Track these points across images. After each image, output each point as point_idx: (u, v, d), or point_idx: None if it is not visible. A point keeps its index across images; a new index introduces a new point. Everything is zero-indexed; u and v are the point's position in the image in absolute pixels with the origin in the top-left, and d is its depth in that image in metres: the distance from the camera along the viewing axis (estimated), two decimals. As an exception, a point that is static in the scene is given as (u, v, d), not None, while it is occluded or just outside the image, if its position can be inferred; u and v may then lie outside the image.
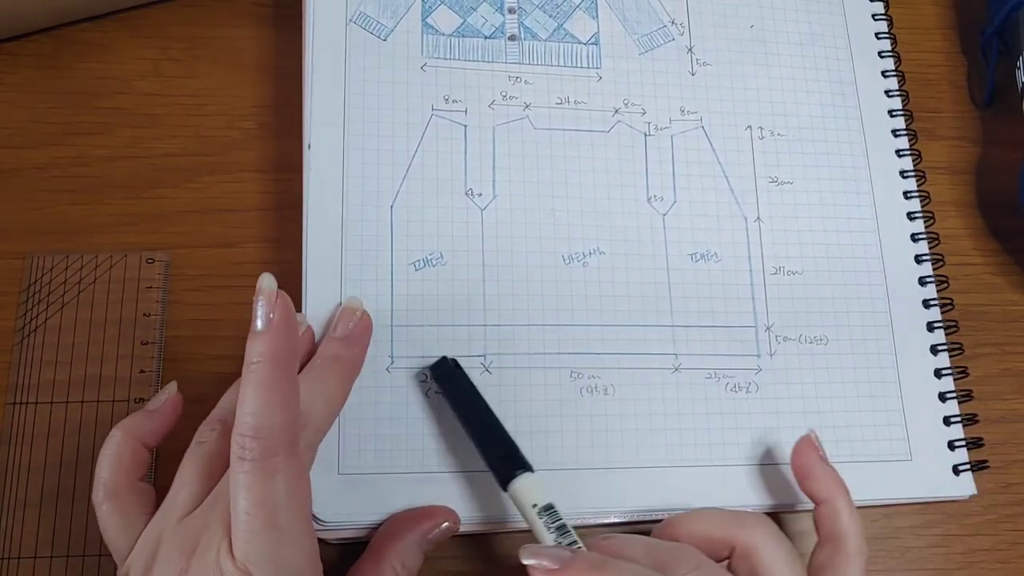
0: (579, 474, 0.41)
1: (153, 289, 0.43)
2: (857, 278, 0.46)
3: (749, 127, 0.48)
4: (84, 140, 0.45)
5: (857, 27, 0.51)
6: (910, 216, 0.48)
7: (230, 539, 0.31)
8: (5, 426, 0.41)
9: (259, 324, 0.32)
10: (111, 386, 0.42)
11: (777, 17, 0.50)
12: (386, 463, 0.40)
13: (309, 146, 0.43)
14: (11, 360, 0.42)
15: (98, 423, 0.41)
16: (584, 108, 0.46)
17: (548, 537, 0.35)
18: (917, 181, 0.48)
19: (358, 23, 0.45)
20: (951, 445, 0.45)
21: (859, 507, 0.43)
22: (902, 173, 0.49)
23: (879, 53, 0.51)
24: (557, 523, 0.36)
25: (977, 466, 0.44)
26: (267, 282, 0.33)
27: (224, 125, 0.46)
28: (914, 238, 0.48)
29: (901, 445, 0.44)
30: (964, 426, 0.45)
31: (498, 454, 0.38)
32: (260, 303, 0.32)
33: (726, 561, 0.37)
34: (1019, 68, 0.49)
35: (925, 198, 0.48)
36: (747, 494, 0.42)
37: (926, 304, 0.47)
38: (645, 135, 0.46)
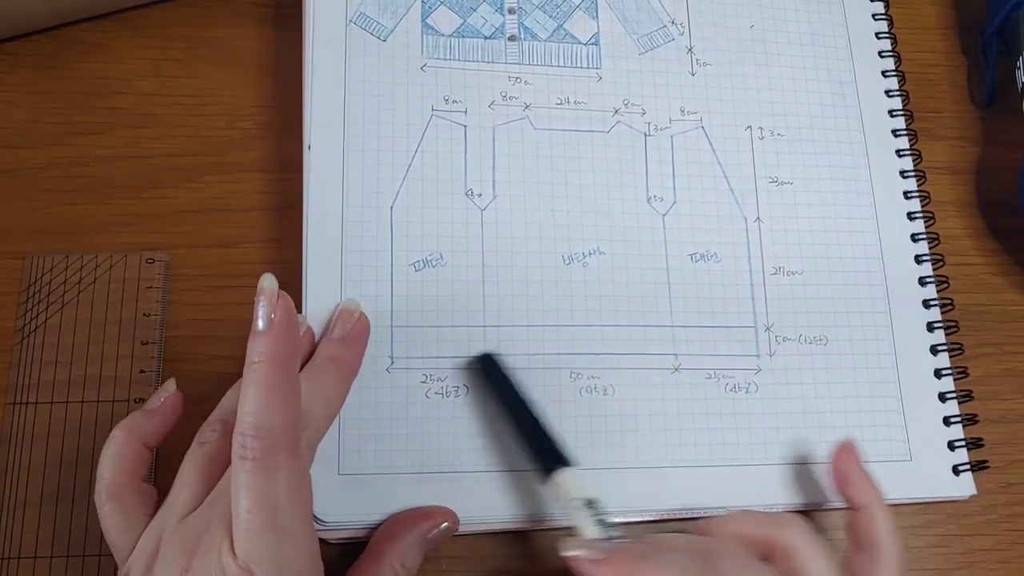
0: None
1: (153, 289, 0.43)
2: (857, 278, 0.46)
3: (749, 127, 0.48)
4: (84, 140, 0.45)
5: (857, 27, 0.51)
6: (910, 216, 0.48)
7: (231, 538, 0.31)
8: (5, 426, 0.41)
9: (260, 324, 0.32)
10: (111, 386, 0.42)
11: (777, 17, 0.50)
12: (386, 463, 0.40)
13: (309, 147, 0.43)
14: (11, 360, 0.42)
15: (98, 423, 0.41)
16: (584, 108, 0.46)
17: (591, 530, 0.35)
18: (917, 181, 0.48)
19: (358, 24, 0.45)
20: (951, 445, 0.45)
21: (859, 507, 0.43)
22: (902, 173, 0.49)
23: (879, 53, 0.51)
24: (600, 517, 0.36)
25: (977, 466, 0.44)
26: (268, 283, 0.33)
27: (224, 125, 0.46)
28: (914, 238, 0.48)
29: (901, 445, 0.44)
30: (964, 426, 0.45)
31: (541, 447, 0.38)
32: (261, 303, 0.33)
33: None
34: (1019, 68, 0.49)
35: (925, 198, 0.48)
36: (747, 494, 0.42)
37: (926, 304, 0.47)
38: (645, 135, 0.46)
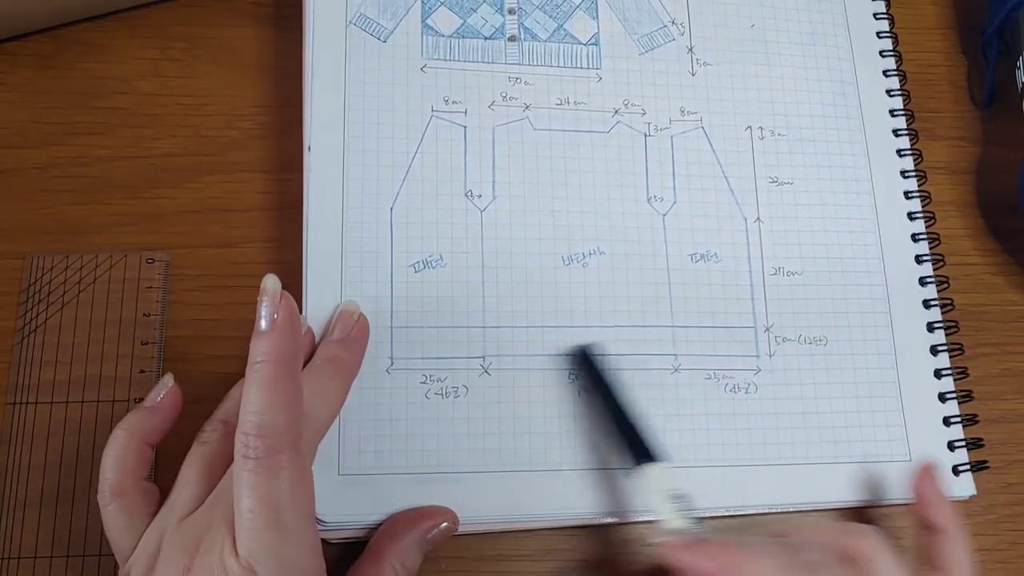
0: (578, 475, 0.41)
1: (153, 289, 0.43)
2: (857, 278, 0.46)
3: (749, 127, 0.48)
4: (84, 140, 0.45)
5: (858, 26, 0.51)
6: (911, 216, 0.48)
7: (234, 537, 0.31)
8: (5, 426, 0.41)
9: (263, 324, 0.33)
10: (111, 386, 0.42)
11: (778, 16, 0.50)
12: (386, 463, 0.40)
13: (309, 148, 0.43)
14: (11, 360, 0.42)
15: (98, 423, 0.41)
16: (584, 109, 0.46)
17: (678, 523, 0.36)
18: (918, 181, 0.48)
19: (358, 25, 0.45)
20: (951, 446, 0.45)
21: (858, 508, 0.44)
22: (903, 173, 0.49)
23: (880, 52, 0.51)
24: (686, 511, 0.36)
25: (977, 466, 0.44)
26: (271, 283, 0.33)
27: (224, 125, 0.46)
28: (914, 238, 0.48)
29: (900, 446, 0.44)
30: (964, 426, 0.45)
31: (633, 439, 0.39)
32: (264, 303, 0.33)
33: None
34: (1019, 68, 0.49)
35: (926, 198, 0.48)
36: (746, 495, 0.42)
37: (926, 304, 0.47)
38: (645, 135, 0.46)
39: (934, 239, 0.48)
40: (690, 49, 0.48)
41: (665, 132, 0.47)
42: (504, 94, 0.46)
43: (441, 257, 0.43)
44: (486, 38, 0.46)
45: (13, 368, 0.42)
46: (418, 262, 0.42)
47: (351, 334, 0.40)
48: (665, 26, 0.49)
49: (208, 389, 0.40)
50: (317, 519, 0.38)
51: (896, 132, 0.49)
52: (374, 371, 0.41)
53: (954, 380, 0.46)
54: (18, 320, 0.42)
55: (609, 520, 0.42)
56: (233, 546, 0.31)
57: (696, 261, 0.45)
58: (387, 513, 0.39)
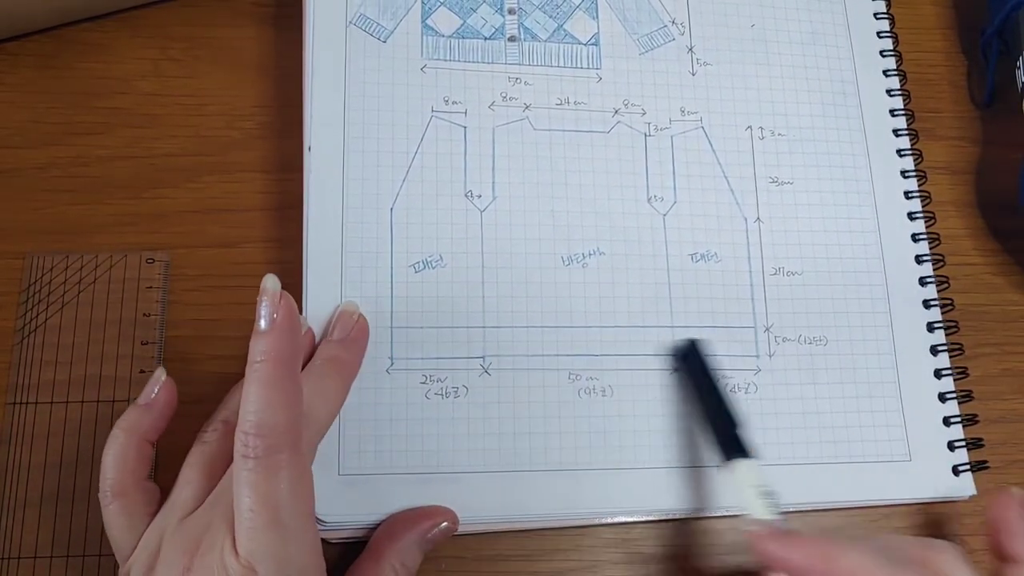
0: (578, 475, 0.41)
1: (153, 289, 0.43)
2: (857, 278, 0.46)
3: (749, 127, 0.48)
4: (84, 140, 0.45)
5: (858, 26, 0.51)
6: (911, 216, 0.48)
7: (234, 536, 0.31)
8: (5, 426, 0.41)
9: (263, 324, 0.33)
10: (111, 386, 0.42)
11: (778, 16, 0.50)
12: (386, 463, 0.40)
13: (309, 148, 0.43)
14: (11, 360, 0.42)
15: (98, 423, 0.41)
16: (584, 109, 0.46)
17: (768, 518, 0.37)
18: (918, 181, 0.48)
19: (358, 25, 0.45)
20: (951, 446, 0.45)
21: (858, 508, 0.44)
22: (903, 173, 0.48)
23: (880, 52, 0.51)
24: (776, 508, 0.37)
25: (977, 466, 0.44)
26: (271, 283, 0.33)
27: (224, 125, 0.46)
28: (915, 238, 0.48)
29: (900, 446, 0.44)
30: (964, 426, 0.45)
31: (728, 433, 0.40)
32: (264, 303, 0.33)
33: None
34: (1019, 68, 0.49)
35: (926, 198, 0.48)
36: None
37: (926, 304, 0.47)
38: (645, 135, 0.46)
39: (934, 239, 0.48)
40: (690, 49, 0.48)
41: (665, 132, 0.47)
42: (504, 94, 0.46)
43: (441, 257, 0.43)
44: (486, 38, 0.46)
45: (13, 368, 0.42)
46: (418, 262, 0.42)
47: (351, 334, 0.40)
48: (665, 26, 0.49)
49: (208, 389, 0.40)
50: (317, 519, 0.38)
51: (896, 132, 0.49)
52: (374, 371, 0.41)
53: (954, 380, 0.46)
54: (18, 320, 0.42)
55: (609, 520, 0.42)
56: (233, 545, 0.31)
57: (696, 261, 0.45)
58: (387, 513, 0.39)
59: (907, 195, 0.48)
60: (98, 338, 0.42)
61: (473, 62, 0.46)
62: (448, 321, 0.42)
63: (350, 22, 0.45)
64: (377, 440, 0.40)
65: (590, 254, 0.44)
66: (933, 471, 0.44)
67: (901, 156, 0.49)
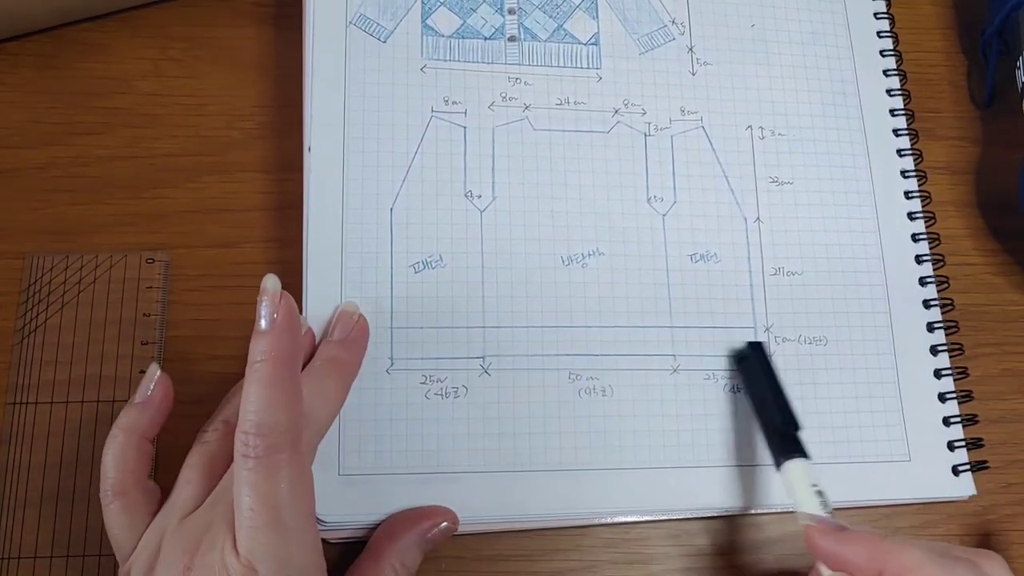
0: (578, 475, 0.41)
1: (153, 289, 0.43)
2: (857, 279, 0.46)
3: (749, 127, 0.48)
4: (84, 140, 0.45)
5: (858, 26, 0.51)
6: (911, 216, 0.48)
7: (234, 536, 0.31)
8: (5, 426, 0.41)
9: (263, 324, 0.33)
10: (111, 386, 0.42)
11: (778, 16, 0.50)
12: (386, 463, 0.40)
13: (309, 148, 0.43)
14: (11, 360, 0.42)
15: (98, 423, 0.41)
16: (584, 109, 0.46)
17: (821, 516, 0.37)
18: (918, 181, 0.48)
19: (358, 25, 0.45)
20: (951, 446, 0.45)
21: (858, 508, 0.44)
22: (903, 173, 0.48)
23: (880, 52, 0.51)
24: (829, 506, 0.37)
25: (977, 466, 0.44)
26: (271, 283, 0.33)
27: (224, 125, 0.46)
28: (915, 238, 0.48)
29: (900, 446, 0.44)
30: (964, 426, 0.45)
31: (783, 431, 0.40)
32: (264, 303, 0.33)
33: None
34: (1019, 68, 0.49)
35: (926, 198, 0.48)
36: (746, 496, 0.42)
37: (926, 304, 0.47)
38: (645, 135, 0.46)
39: (934, 239, 0.48)
40: (690, 49, 0.48)
41: (665, 132, 0.47)
42: (504, 94, 0.46)
43: (441, 257, 0.43)
44: (486, 38, 0.46)
45: (13, 368, 0.42)
46: (418, 262, 0.42)
47: (351, 335, 0.40)
48: (665, 26, 0.49)
49: (208, 389, 0.40)
50: (317, 519, 0.38)
51: (896, 132, 0.49)
52: (374, 371, 0.41)
53: (954, 380, 0.46)
54: (18, 320, 0.42)
55: (609, 520, 0.42)
56: (234, 545, 0.31)
57: (696, 261, 0.45)
58: (387, 513, 0.39)
59: (907, 195, 0.48)
60: (98, 338, 0.42)
61: (473, 62, 0.46)
62: (448, 321, 0.42)
63: (350, 22, 0.45)
64: (377, 440, 0.40)
65: (590, 254, 0.44)
66: (933, 471, 0.44)
67: (901, 156, 0.49)
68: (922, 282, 0.47)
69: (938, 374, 0.46)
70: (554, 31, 0.47)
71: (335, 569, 0.38)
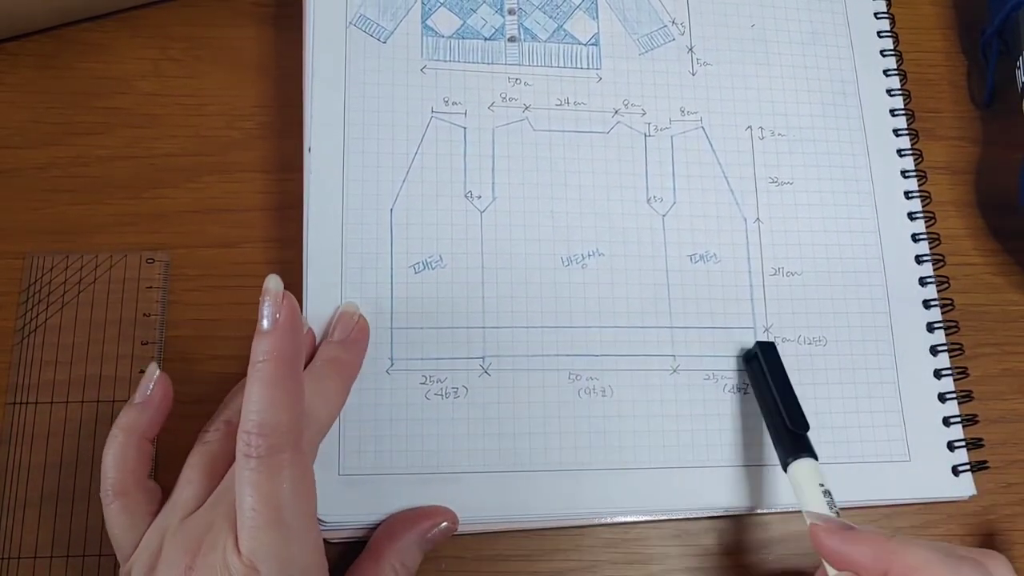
0: (578, 475, 0.41)
1: (153, 289, 0.43)
2: (857, 279, 0.46)
3: (749, 127, 0.48)
4: (84, 140, 0.45)
5: (858, 26, 0.51)
6: (911, 216, 0.48)
7: (236, 536, 0.32)
8: (5, 426, 0.41)
9: (265, 324, 0.33)
10: (111, 386, 0.42)
11: (778, 16, 0.50)
12: (386, 464, 0.40)
13: (309, 148, 0.43)
14: (11, 360, 0.42)
15: (98, 423, 0.41)
16: (584, 109, 0.46)
17: (831, 515, 0.37)
18: (918, 181, 0.48)
19: (358, 25, 0.45)
20: (951, 446, 0.45)
21: (858, 508, 0.44)
22: (903, 173, 0.48)
23: (880, 52, 0.50)
24: (836, 507, 0.37)
25: (977, 466, 0.44)
26: (273, 283, 0.33)
27: (224, 125, 0.46)
28: (915, 238, 0.48)
29: (900, 446, 0.44)
30: (964, 426, 0.45)
31: (797, 433, 0.40)
32: (266, 303, 0.33)
33: None
34: (1019, 68, 0.49)
35: (926, 198, 0.48)
36: (746, 495, 0.42)
37: (926, 304, 0.47)
38: (645, 136, 0.46)
39: (934, 239, 0.48)
40: (690, 49, 0.48)
41: (665, 132, 0.47)
42: (504, 95, 0.46)
43: (441, 258, 0.43)
44: (486, 39, 0.46)
45: (13, 368, 0.42)
46: (418, 263, 0.42)
47: (351, 335, 0.40)
48: (665, 26, 0.49)
49: (208, 389, 0.41)
50: (318, 519, 0.38)
51: (896, 132, 0.49)
52: (374, 372, 0.41)
53: (954, 380, 0.46)
54: (18, 320, 0.42)
55: (609, 520, 0.42)
56: (235, 545, 0.31)
57: (695, 262, 0.45)
58: (387, 513, 0.39)
59: (907, 195, 0.48)
60: (98, 338, 0.42)
61: (473, 63, 0.46)
62: (448, 321, 0.42)
63: (350, 23, 0.45)
64: (377, 440, 0.40)
65: (589, 255, 0.44)
66: (933, 471, 0.44)
67: (901, 156, 0.49)
68: (922, 282, 0.47)
69: (938, 374, 0.46)
70: (554, 31, 0.47)
71: (335, 569, 0.38)
